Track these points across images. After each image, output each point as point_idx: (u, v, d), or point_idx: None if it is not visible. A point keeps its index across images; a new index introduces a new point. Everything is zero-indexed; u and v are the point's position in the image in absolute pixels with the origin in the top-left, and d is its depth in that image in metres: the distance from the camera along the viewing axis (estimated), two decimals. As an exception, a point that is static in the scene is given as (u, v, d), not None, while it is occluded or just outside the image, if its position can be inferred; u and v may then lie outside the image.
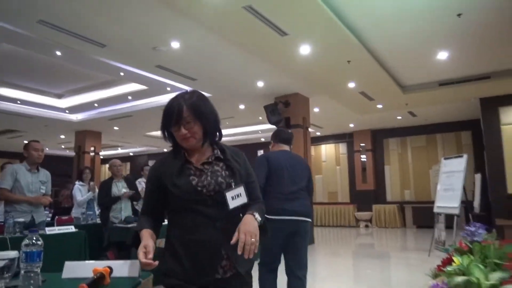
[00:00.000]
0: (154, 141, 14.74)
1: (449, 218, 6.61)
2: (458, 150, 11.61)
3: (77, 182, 6.05)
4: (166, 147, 16.80)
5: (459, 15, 5.07)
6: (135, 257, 4.01)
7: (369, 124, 12.30)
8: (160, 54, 6.03)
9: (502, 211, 7.87)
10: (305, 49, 5.75)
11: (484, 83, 7.72)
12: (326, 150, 14.27)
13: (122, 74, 7.19)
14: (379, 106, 9.43)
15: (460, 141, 11.75)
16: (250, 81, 7.55)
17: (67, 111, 10.17)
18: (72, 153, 13.37)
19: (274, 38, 5.31)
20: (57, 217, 5.80)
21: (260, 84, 7.70)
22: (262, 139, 14.75)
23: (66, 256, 3.70)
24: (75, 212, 5.75)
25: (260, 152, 15.53)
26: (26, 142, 4.20)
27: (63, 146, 16.07)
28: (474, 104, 9.25)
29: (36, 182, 3.97)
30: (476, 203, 9.40)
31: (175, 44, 5.68)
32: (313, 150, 14.41)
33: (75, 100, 9.46)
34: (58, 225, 5.49)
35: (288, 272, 3.01)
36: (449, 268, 3.09)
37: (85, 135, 12.27)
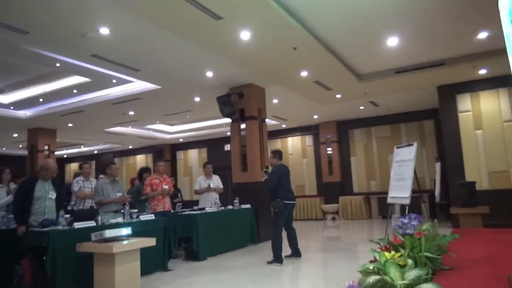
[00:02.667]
0: (115, 137, 14.19)
1: (413, 207, 6.42)
2: (421, 139, 11.57)
3: None
4: (131, 144, 16.29)
5: (401, -4, 4.84)
6: (51, 264, 3.60)
7: (333, 115, 12.12)
8: (92, 42, 5.59)
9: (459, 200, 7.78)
10: (245, 35, 5.41)
11: (439, 70, 7.59)
12: (293, 143, 14.04)
13: (58, 65, 6.70)
14: (338, 96, 9.22)
15: (423, 130, 11.70)
16: (198, 71, 7.18)
17: (11, 107, 9.56)
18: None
19: (209, 22, 4.96)
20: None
21: (210, 74, 7.34)
22: (228, 133, 14.39)
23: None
24: None
25: (227, 147, 15.22)
26: None
27: (20, 146, 15.29)
28: (434, 92, 9.16)
29: None
30: (437, 192, 9.35)
31: (104, 30, 5.25)
32: (279, 143, 14.20)
33: (18, 95, 8.87)
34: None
35: (288, 228, 5.89)
36: (367, 266, 2.79)
37: (38, 132, 11.64)
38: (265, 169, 6.19)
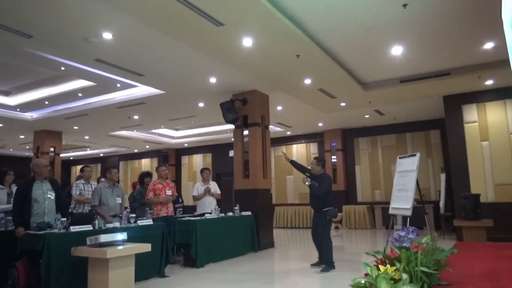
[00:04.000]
0: (121, 141, 14.27)
1: (416, 219, 6.31)
2: (427, 149, 11.45)
3: None
4: (137, 148, 16.36)
5: (404, 5, 4.79)
6: (46, 268, 3.59)
7: (338, 123, 12.05)
8: (95, 46, 5.63)
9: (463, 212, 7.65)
10: (247, 42, 5.40)
11: (444, 80, 7.51)
12: (298, 150, 13.98)
13: (63, 68, 6.75)
14: (343, 104, 9.16)
15: (429, 140, 11.58)
16: (201, 77, 7.18)
17: (18, 109, 9.66)
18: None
19: (210, 29, 4.96)
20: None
21: (213, 80, 7.34)
22: (233, 139, 14.38)
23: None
24: None
25: (231, 153, 15.16)
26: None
27: (27, 147, 15.44)
28: (440, 102, 9.06)
29: None
30: (442, 203, 9.21)
31: (107, 35, 5.28)
32: (284, 150, 14.14)
33: (24, 97, 8.96)
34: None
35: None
36: (359, 280, 2.73)
37: (44, 134, 11.75)
38: (307, 174, 5.90)
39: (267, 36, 5.31)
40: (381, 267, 2.84)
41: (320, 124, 12.13)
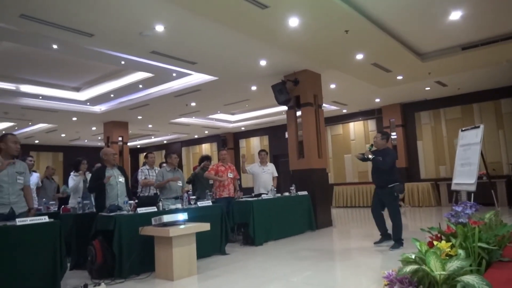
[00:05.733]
0: (181, 128, 14.93)
1: (484, 195, 5.93)
2: (497, 119, 10.62)
3: (72, 173, 6.29)
4: (197, 134, 17.02)
5: (460, -34, 4.46)
6: (118, 246, 4.00)
7: (397, 97, 11.54)
8: (149, 39, 5.94)
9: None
10: (293, 21, 5.37)
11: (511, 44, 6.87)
12: (355, 128, 13.66)
13: (123, 62, 7.22)
14: (399, 77, 8.76)
15: (499, 109, 10.70)
16: (251, 60, 7.28)
17: (88, 103, 10.50)
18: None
19: (255, 12, 5.00)
20: (63, 206, 6.01)
21: (263, 63, 7.41)
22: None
23: (40, 246, 3.79)
24: (72, 202, 5.92)
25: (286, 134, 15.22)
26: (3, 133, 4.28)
27: (99, 138, 16.74)
28: (510, 68, 8.31)
29: (13, 174, 4.06)
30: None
31: (159, 28, 5.55)
32: (341, 128, 13.92)
33: (92, 92, 9.72)
34: (63, 214, 5.71)
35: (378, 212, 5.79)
36: (408, 255, 2.73)
37: (112, 125, 12.68)
38: (369, 147, 5.64)
39: (313, 13, 5.24)
40: (435, 243, 2.79)
41: (377, 100, 11.72)
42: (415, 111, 12.28)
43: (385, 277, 2.50)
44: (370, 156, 5.44)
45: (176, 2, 4.81)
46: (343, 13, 5.25)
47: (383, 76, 8.53)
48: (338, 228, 8.15)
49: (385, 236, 5.74)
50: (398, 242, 5.44)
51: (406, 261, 2.62)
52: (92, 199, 5.69)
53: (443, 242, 2.88)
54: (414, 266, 2.42)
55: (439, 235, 3.27)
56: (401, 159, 12.21)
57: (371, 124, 13.26)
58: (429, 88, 10.33)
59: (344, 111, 13.10)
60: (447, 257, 2.53)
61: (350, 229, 8.29)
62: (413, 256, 2.67)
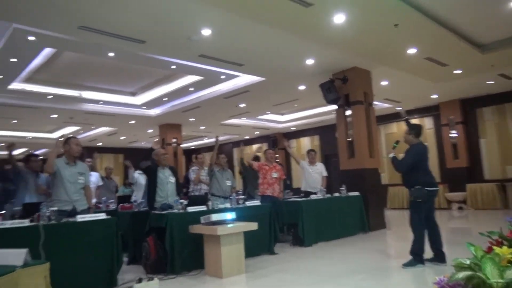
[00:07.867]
0: (232, 129, 15.18)
1: None
2: None
3: (136, 171, 6.69)
4: (247, 135, 17.22)
5: None
6: (170, 242, 4.17)
7: (456, 93, 10.87)
8: (197, 43, 6.12)
9: None
10: (339, 18, 5.27)
11: None
12: (410, 126, 13.03)
13: (174, 67, 7.51)
14: (458, 71, 8.25)
15: None
16: (298, 60, 7.24)
17: (143, 107, 11.03)
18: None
19: (300, 11, 4.97)
20: (120, 204, 6.37)
21: (310, 61, 7.33)
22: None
23: (96, 242, 4.05)
24: (135, 198, 6.36)
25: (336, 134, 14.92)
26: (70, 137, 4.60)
27: (155, 140, 17.49)
28: None
29: (75, 174, 4.37)
30: None
31: (206, 32, 5.70)
32: (395, 127, 13.38)
33: (147, 96, 10.21)
34: (121, 211, 6.05)
35: (429, 222, 4.70)
36: (461, 261, 2.57)
37: (167, 128, 13.23)
38: (394, 144, 5.00)
39: (359, 8, 5.10)
40: (494, 249, 2.59)
41: (434, 96, 11.11)
42: (476, 107, 11.48)
43: (436, 283, 2.34)
44: (390, 155, 4.80)
45: (222, 6, 4.92)
46: (391, 6, 5.06)
47: (438, 71, 8.08)
48: (392, 231, 7.83)
49: (437, 256, 4.63)
50: (414, 258, 4.55)
51: (460, 267, 2.46)
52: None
53: (504, 247, 2.66)
54: (468, 272, 2.27)
55: (500, 240, 3.03)
56: (462, 158, 11.50)
57: (428, 122, 12.60)
58: (492, 82, 9.62)
59: (398, 108, 12.57)
60: (510, 264, 2.34)
61: (405, 232, 7.91)
62: (467, 262, 2.50)
